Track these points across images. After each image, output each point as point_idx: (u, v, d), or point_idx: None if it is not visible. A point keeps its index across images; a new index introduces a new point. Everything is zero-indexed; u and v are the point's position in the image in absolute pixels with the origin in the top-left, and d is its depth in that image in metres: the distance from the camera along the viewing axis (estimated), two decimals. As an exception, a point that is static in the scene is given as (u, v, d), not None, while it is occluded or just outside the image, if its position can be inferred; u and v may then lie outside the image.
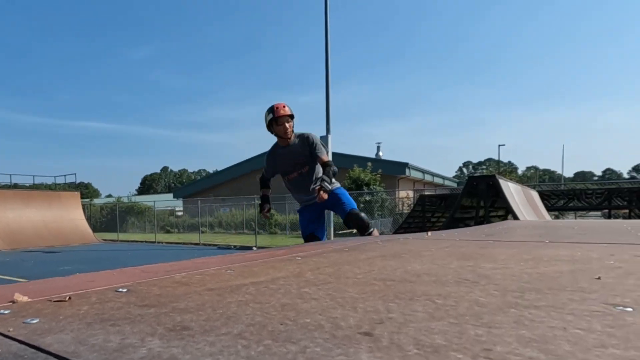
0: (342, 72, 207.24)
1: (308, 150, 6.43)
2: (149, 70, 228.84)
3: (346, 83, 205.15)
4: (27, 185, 48.80)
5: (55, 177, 50.40)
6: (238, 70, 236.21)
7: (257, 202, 34.69)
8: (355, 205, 6.79)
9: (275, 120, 6.29)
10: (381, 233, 27.45)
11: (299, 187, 6.72)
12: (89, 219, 38.18)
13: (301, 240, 7.16)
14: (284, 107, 6.30)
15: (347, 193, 6.91)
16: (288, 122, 6.35)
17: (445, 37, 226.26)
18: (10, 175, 51.42)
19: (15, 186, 46.74)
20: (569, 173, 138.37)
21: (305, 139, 6.46)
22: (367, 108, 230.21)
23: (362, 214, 6.67)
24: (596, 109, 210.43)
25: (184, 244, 30.37)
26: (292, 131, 6.44)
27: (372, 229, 6.66)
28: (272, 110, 6.30)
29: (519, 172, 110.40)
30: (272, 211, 37.43)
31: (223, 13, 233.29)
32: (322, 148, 6.53)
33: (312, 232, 6.92)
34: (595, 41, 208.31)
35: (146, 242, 32.69)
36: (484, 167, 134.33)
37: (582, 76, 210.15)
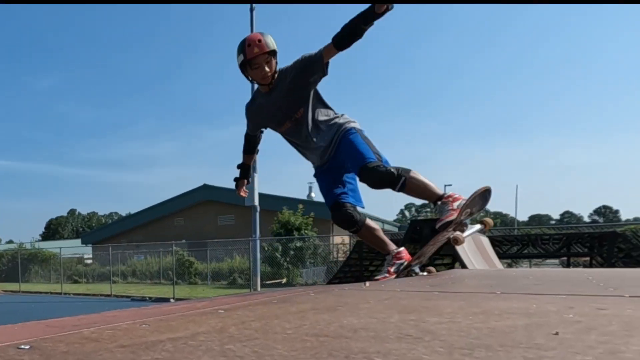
0: None
1: (294, 83, 5.02)
2: (55, 102, 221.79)
3: None
4: None
5: None
6: (155, 102, 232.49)
7: (175, 248, 34.67)
8: (371, 155, 5.04)
9: (249, 62, 4.88)
10: (314, 283, 27.53)
11: (299, 139, 5.30)
12: (-14, 267, 37.80)
13: (224, 291, 6.92)
14: (259, 41, 4.83)
15: (361, 138, 5.18)
16: (267, 61, 4.88)
17: (386, 66, 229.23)
18: None
19: None
20: (523, 216, 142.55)
21: (289, 71, 5.02)
22: None
23: (382, 167, 4.98)
24: (552, 147, 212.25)
25: (94, 295, 30.46)
26: (275, 71, 4.97)
27: (403, 178, 5.02)
28: (242, 48, 4.89)
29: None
30: (191, 259, 37.33)
31: (138, 40, 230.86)
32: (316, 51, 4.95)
33: (335, 200, 5.54)
34: (550, 74, 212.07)
35: (51, 293, 32.99)
36: (428, 209, 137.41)
37: (537, 111, 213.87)
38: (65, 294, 31.51)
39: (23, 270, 41.34)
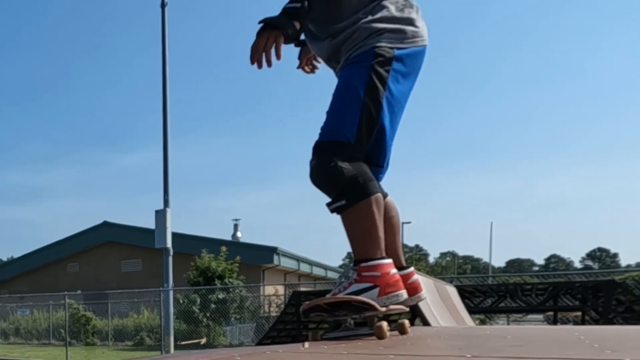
0: (187, 122, 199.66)
1: None
2: None
3: (193, 136, 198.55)
4: None
5: None
6: (43, 119, 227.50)
7: (69, 301, 34.14)
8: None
9: None
10: (240, 344, 27.39)
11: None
12: None
13: (129, 354, 6.73)
14: None
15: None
16: None
17: (322, 81, 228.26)
18: None
19: None
20: (499, 262, 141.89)
21: None
22: (222, 172, 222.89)
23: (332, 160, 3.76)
24: (534, 175, 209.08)
25: None
26: None
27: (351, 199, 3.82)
28: None
29: (431, 259, 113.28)
30: (88, 314, 36.78)
31: (20, 40, 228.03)
32: None
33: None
34: (525, 87, 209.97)
35: None
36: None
37: (512, 132, 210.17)
38: None
39: None
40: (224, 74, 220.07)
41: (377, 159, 4.15)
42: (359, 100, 3.79)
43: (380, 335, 4.21)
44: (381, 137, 3.99)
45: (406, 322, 5.02)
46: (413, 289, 4.70)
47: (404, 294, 4.07)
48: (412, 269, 4.78)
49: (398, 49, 3.95)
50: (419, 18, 4.12)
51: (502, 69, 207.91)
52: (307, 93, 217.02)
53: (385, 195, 4.17)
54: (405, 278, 4.28)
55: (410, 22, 4.06)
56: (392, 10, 4.03)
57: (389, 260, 3.94)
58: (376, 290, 3.92)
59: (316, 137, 3.80)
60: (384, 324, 4.16)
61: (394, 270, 3.97)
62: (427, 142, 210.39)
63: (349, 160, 3.71)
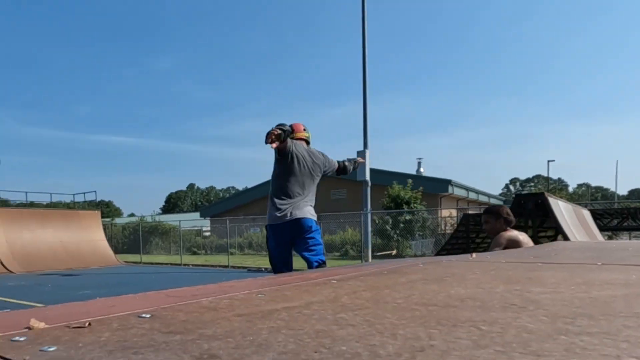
0: (381, 84, 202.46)
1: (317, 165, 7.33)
2: (173, 82, 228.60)
3: (386, 96, 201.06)
4: (44, 203, 48.59)
5: (74, 195, 50.17)
6: (268, 81, 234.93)
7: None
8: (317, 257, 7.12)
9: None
10: (422, 255, 27.26)
11: (304, 184, 7.23)
12: (109, 239, 38.38)
13: (337, 262, 7.10)
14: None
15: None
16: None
17: (491, 47, 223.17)
18: (26, 192, 51.69)
19: (32, 205, 46.72)
20: (623, 191, 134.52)
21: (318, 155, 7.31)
22: (408, 122, 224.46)
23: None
24: None
25: (212, 266, 30.35)
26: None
27: None
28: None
29: (570, 189, 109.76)
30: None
31: (250, 21, 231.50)
32: None
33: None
34: None
35: (171, 264, 32.77)
36: (532, 184, 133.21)
37: (638, 89, 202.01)
38: (184, 265, 31.48)
39: (144, 242, 41.88)
40: (412, 44, 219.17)
41: None
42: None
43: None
44: None
45: None
46: None
47: None
48: None
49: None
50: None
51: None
52: (480, 65, 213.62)
53: None
54: None
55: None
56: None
57: None
58: None
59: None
60: None
61: None
62: (567, 98, 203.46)
63: None
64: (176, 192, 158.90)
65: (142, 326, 1.66)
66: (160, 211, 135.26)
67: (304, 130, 7.31)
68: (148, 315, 1.85)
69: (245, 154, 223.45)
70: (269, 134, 6.17)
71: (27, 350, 1.32)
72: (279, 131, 6.22)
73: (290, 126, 6.78)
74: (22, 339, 1.45)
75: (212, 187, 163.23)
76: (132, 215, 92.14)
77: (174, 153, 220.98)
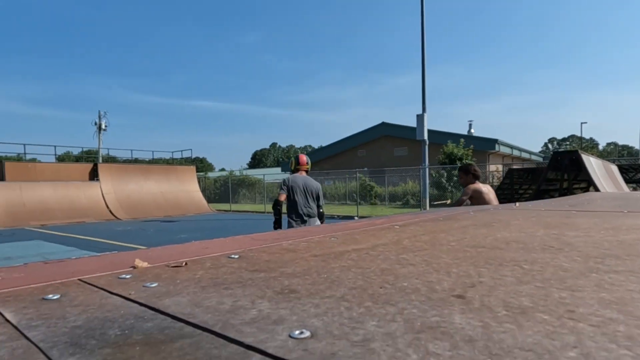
0: (438, 55, 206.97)
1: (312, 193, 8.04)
2: (259, 54, 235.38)
3: (442, 66, 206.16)
4: (147, 160, 50.11)
5: (172, 152, 51.54)
6: (340, 54, 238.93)
7: (359, 175, 34.91)
8: None
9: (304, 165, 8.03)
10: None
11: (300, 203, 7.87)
12: (203, 190, 39.21)
13: (399, 210, 7.13)
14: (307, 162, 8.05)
15: None
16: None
17: (535, 24, 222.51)
18: (131, 150, 53.54)
19: (136, 161, 48.12)
20: None
21: (314, 185, 7.95)
22: (461, 89, 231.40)
23: None
24: None
25: None
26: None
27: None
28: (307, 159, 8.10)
29: (600, 147, 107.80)
30: (372, 183, 37.55)
31: (326, 1, 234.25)
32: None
33: None
34: None
35: (256, 212, 33.34)
36: (568, 143, 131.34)
37: None
38: (267, 212, 31.93)
39: (233, 193, 42.84)
40: (465, 19, 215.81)
41: None
42: None
43: None
44: None
45: None
46: None
47: None
48: None
49: None
50: None
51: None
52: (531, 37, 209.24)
53: None
54: None
55: None
56: None
57: None
58: None
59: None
60: None
61: None
62: (603, 67, 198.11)
63: None
64: (260, 150, 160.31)
65: (231, 265, 1.69)
66: (247, 166, 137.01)
67: (307, 163, 8.03)
68: (237, 256, 1.88)
69: (320, 116, 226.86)
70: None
71: (132, 286, 1.35)
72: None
73: (296, 158, 7.95)
74: (128, 276, 1.49)
75: (292, 146, 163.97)
76: (222, 169, 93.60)
77: (259, 116, 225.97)
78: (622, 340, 0.87)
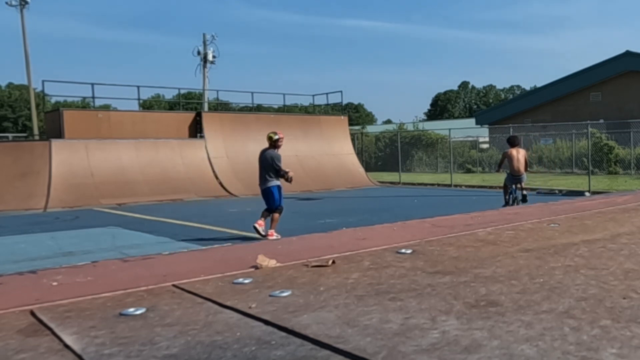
0: None
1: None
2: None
3: None
4: (275, 107, 50.60)
5: (313, 96, 49.81)
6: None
7: (591, 130, 34.07)
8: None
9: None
10: None
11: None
12: (359, 153, 39.63)
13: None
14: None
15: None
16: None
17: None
18: (252, 93, 51.10)
19: (259, 108, 46.24)
20: None
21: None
22: None
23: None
24: None
25: (491, 187, 30.29)
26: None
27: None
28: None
29: None
30: (611, 143, 36.52)
31: None
32: None
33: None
34: None
35: (438, 185, 33.71)
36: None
37: None
38: (455, 186, 32.12)
39: (404, 157, 42.99)
40: None
41: None
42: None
43: None
44: None
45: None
46: None
47: None
48: None
49: None
50: None
51: None
52: None
53: None
54: None
55: None
56: None
57: None
58: None
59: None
60: None
61: None
62: None
63: None
64: (445, 93, 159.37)
65: (400, 264, 1.69)
66: (425, 117, 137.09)
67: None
68: (409, 251, 1.90)
69: (532, 43, 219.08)
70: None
71: (253, 296, 1.36)
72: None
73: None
74: (246, 281, 1.51)
75: (492, 87, 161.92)
76: (388, 122, 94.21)
77: (442, 42, 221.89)
78: None
